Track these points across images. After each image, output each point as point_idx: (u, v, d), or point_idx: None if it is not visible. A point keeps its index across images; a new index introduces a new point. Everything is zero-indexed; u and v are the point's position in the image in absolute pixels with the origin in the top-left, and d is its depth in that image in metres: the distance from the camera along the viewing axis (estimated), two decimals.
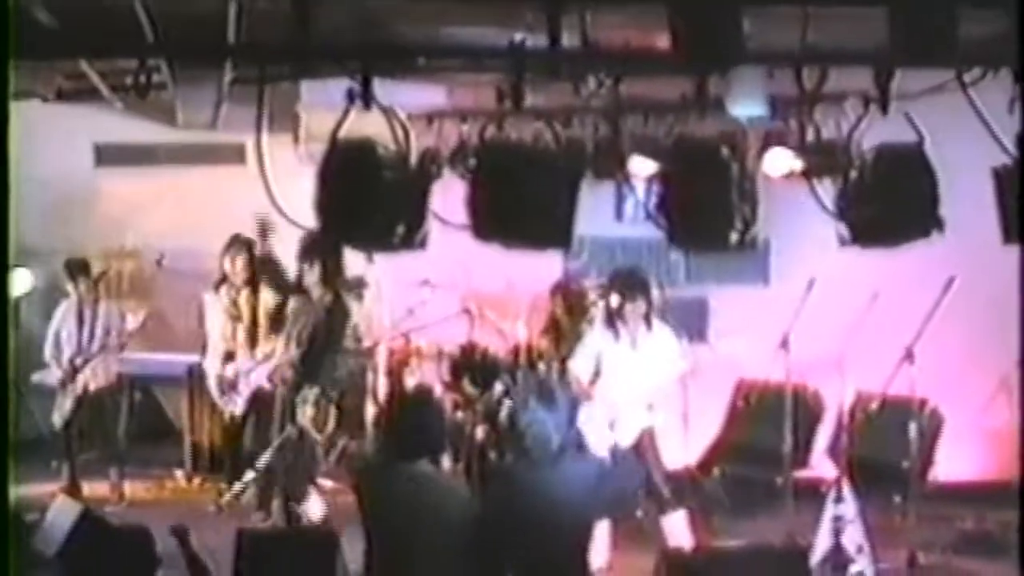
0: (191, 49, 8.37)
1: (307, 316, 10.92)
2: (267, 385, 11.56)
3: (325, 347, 10.73)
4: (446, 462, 11.08)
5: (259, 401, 11.70)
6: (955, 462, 11.44)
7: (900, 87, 7.14)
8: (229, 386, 11.86)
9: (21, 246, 13.50)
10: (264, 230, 11.49)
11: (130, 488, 12.40)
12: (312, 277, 10.72)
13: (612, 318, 10.11)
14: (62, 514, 9.05)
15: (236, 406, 11.88)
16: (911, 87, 7.44)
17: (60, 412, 12.41)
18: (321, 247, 10.33)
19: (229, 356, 11.89)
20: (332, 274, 10.70)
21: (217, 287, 11.96)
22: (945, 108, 7.37)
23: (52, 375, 12.51)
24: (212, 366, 12.02)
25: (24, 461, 12.43)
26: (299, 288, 10.99)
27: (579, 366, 10.14)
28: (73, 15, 7.49)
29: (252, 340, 11.82)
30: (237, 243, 11.83)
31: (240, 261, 11.77)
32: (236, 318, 11.85)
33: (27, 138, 13.89)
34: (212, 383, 12.03)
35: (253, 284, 11.82)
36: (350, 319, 10.94)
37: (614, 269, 10.91)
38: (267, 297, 11.85)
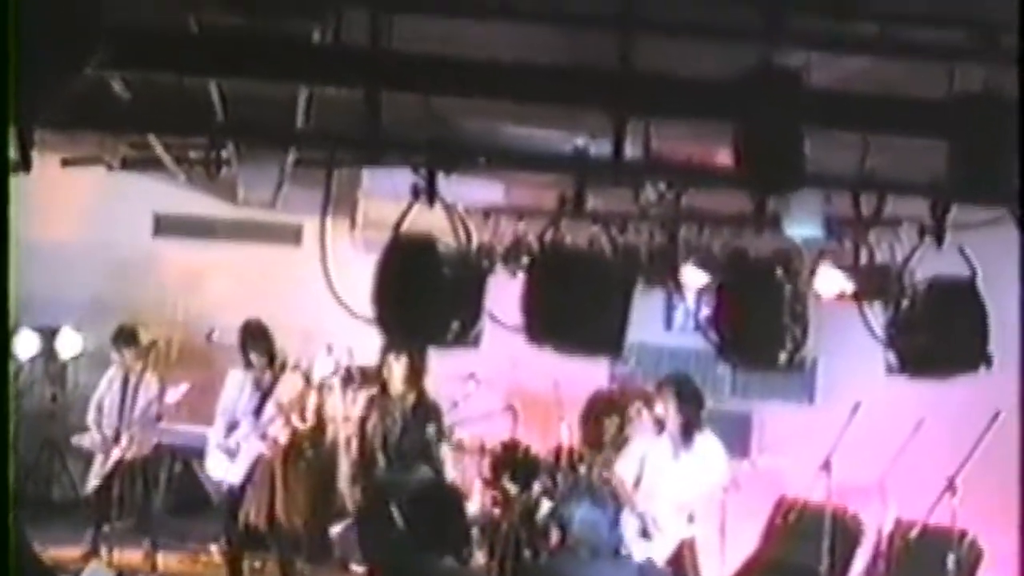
0: (259, 131, 8.48)
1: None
2: (267, 454, 11.61)
3: (410, 443, 10.74)
4: (480, 558, 11.10)
5: (256, 472, 11.75)
6: None
7: (955, 218, 7.17)
8: (229, 455, 11.83)
9: (75, 309, 13.84)
10: None
11: (163, 559, 12.42)
12: (397, 372, 10.74)
13: (660, 424, 10.11)
14: None
15: (235, 476, 11.85)
16: (966, 219, 7.47)
17: (95, 477, 12.48)
18: (408, 342, 10.31)
19: (232, 427, 11.87)
20: (417, 370, 10.74)
21: (247, 366, 11.97)
22: (998, 241, 7.38)
23: (91, 439, 12.60)
24: (216, 435, 11.97)
25: (58, 523, 12.63)
26: (379, 381, 11.01)
27: (624, 470, 10.13)
28: (147, 90, 7.61)
29: (260, 409, 11.80)
30: (253, 331, 11.88)
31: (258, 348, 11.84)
32: (255, 391, 11.86)
33: (90, 204, 14.30)
34: (212, 452, 11.96)
35: (271, 363, 11.85)
36: (438, 414, 10.98)
37: (665, 375, 10.90)
38: (293, 379, 11.91)
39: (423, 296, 6.91)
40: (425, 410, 10.80)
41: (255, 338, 11.80)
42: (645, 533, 9.95)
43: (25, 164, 5.99)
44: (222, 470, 11.88)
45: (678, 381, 10.49)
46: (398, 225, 6.97)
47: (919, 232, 7.31)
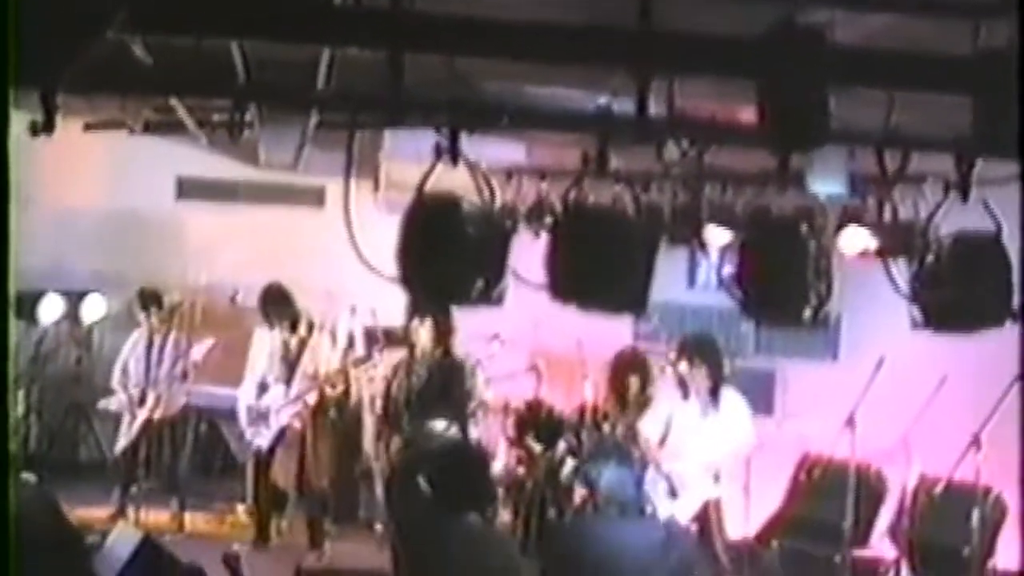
0: (282, 94, 8.48)
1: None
2: (296, 424, 11.69)
3: (435, 401, 10.87)
4: (505, 516, 11.16)
5: (286, 438, 11.82)
6: (1016, 551, 11.32)
7: (980, 173, 7.14)
8: (259, 418, 11.92)
9: (98, 272, 13.89)
10: None
11: (190, 519, 12.50)
12: (424, 335, 10.87)
13: (684, 384, 10.12)
14: (122, 540, 9.12)
15: (264, 440, 11.94)
16: (991, 173, 7.43)
17: (122, 438, 12.56)
18: (432, 301, 10.41)
19: (263, 388, 11.94)
20: (444, 331, 10.85)
21: (271, 327, 12.03)
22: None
23: (117, 402, 12.67)
24: (246, 396, 12.07)
25: (86, 484, 12.71)
26: (407, 343, 11.15)
27: (649, 429, 10.16)
28: (169, 53, 7.61)
29: (289, 378, 11.87)
30: (274, 296, 11.93)
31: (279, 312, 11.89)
32: (284, 357, 11.93)
33: (112, 168, 14.34)
34: (242, 413, 12.08)
35: (295, 328, 11.90)
36: (464, 373, 11.11)
37: (685, 334, 10.93)
38: (322, 343, 11.96)
39: (447, 255, 6.92)
40: (451, 365, 10.90)
41: (276, 302, 11.85)
42: (671, 492, 9.98)
43: (48, 127, 6.01)
44: (251, 433, 11.97)
45: (699, 341, 10.50)
46: (422, 184, 6.97)
47: (944, 187, 7.29)
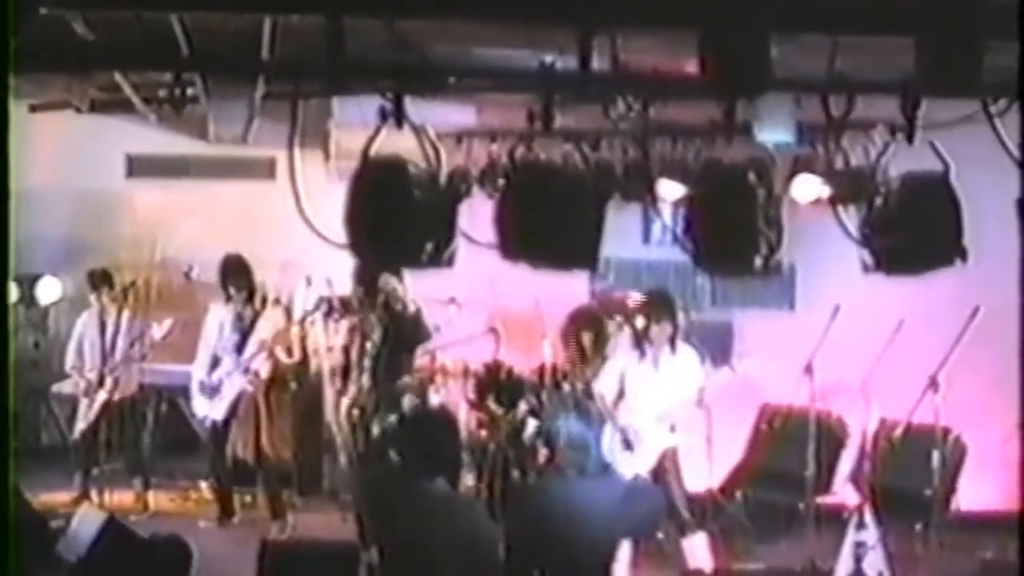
0: (225, 64, 8.44)
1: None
2: (249, 388, 11.65)
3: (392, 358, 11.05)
4: (469, 480, 11.16)
5: (240, 407, 11.78)
6: (977, 492, 11.41)
7: (927, 116, 7.16)
8: (212, 392, 11.83)
9: (52, 254, 13.77)
10: None
11: (154, 498, 12.43)
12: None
13: (638, 339, 10.14)
14: (87, 521, 9.10)
15: (218, 412, 11.85)
16: (938, 116, 7.46)
17: (82, 421, 12.48)
18: (381, 265, 10.45)
19: (215, 362, 11.88)
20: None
21: (227, 300, 11.95)
22: (971, 138, 7.38)
23: (72, 385, 12.59)
24: (198, 372, 11.94)
25: (47, 468, 12.62)
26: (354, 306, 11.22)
27: (604, 386, 10.17)
28: (110, 28, 7.56)
29: (241, 347, 11.80)
30: (233, 267, 11.86)
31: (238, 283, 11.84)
32: (237, 328, 11.85)
33: (60, 148, 14.19)
34: (195, 388, 11.95)
35: (251, 297, 11.84)
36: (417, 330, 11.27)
37: (644, 291, 10.94)
38: (274, 315, 11.91)
39: (395, 218, 6.91)
40: (399, 325, 11.01)
41: (235, 273, 11.77)
42: (626, 446, 10.00)
43: None
44: (205, 407, 11.88)
45: (655, 294, 10.51)
46: (367, 149, 6.95)
47: (891, 131, 7.32)
